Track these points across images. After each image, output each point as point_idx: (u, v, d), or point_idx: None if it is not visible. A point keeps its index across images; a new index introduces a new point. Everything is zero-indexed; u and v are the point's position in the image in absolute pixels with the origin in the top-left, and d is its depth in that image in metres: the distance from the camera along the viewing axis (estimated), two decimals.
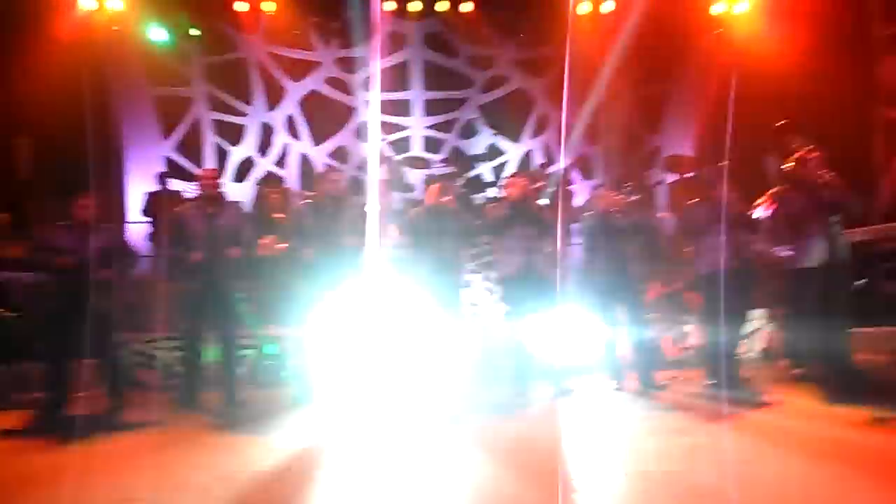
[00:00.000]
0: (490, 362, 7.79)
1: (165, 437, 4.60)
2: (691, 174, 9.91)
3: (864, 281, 7.39)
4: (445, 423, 4.70)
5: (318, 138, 10.90)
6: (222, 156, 10.61)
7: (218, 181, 5.84)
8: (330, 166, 10.63)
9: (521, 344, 5.61)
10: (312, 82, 10.86)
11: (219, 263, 5.45)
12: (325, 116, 10.79)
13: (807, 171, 5.42)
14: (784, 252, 6.24)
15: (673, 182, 10.64)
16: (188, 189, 8.64)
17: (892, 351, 6.93)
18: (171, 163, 10.24)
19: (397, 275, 6.31)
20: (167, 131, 10.43)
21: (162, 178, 9.33)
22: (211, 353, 5.81)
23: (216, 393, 5.66)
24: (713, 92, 10.65)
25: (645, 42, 10.38)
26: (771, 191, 6.18)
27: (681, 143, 11.31)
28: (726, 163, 6.17)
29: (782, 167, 6.00)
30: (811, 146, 5.72)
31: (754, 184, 6.14)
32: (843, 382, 5.18)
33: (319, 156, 10.88)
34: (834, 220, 5.52)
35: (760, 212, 6.04)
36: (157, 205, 8.94)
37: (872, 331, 7.11)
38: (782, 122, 6.18)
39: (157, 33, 9.94)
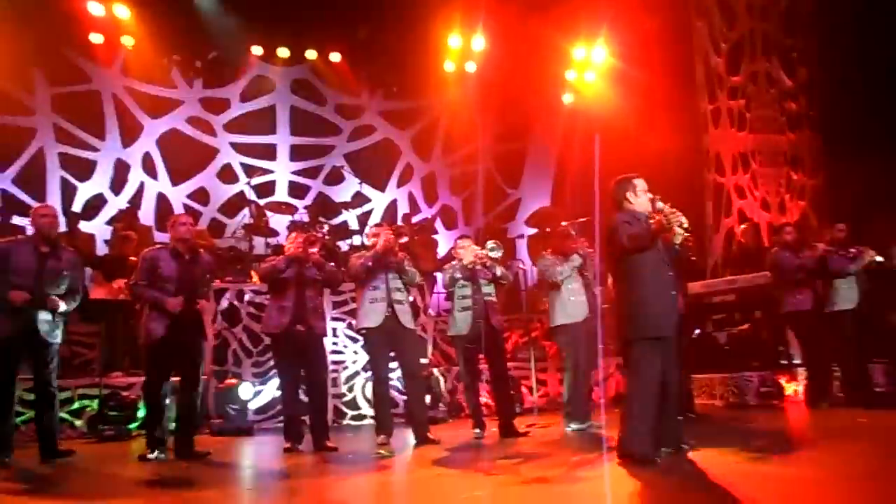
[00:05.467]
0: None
1: None
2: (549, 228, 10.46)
3: (698, 331, 8.13)
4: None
5: (177, 178, 10.49)
6: (72, 191, 9.93)
7: (53, 219, 5.35)
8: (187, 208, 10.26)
9: (382, 393, 5.63)
10: (172, 120, 10.50)
11: (42, 307, 5.06)
12: (186, 156, 10.44)
13: None
14: None
15: (533, 235, 11.19)
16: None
17: (722, 396, 7.66)
18: (7, 196, 9.47)
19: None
20: (5, 162, 9.62)
21: None
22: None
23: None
24: (567, 150, 11.45)
25: (505, 100, 11.01)
26: None
27: (539, 197, 11.96)
28: (585, 219, 6.49)
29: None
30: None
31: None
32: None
33: (178, 196, 10.46)
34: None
35: None
36: None
37: (706, 377, 7.83)
38: None
39: None
